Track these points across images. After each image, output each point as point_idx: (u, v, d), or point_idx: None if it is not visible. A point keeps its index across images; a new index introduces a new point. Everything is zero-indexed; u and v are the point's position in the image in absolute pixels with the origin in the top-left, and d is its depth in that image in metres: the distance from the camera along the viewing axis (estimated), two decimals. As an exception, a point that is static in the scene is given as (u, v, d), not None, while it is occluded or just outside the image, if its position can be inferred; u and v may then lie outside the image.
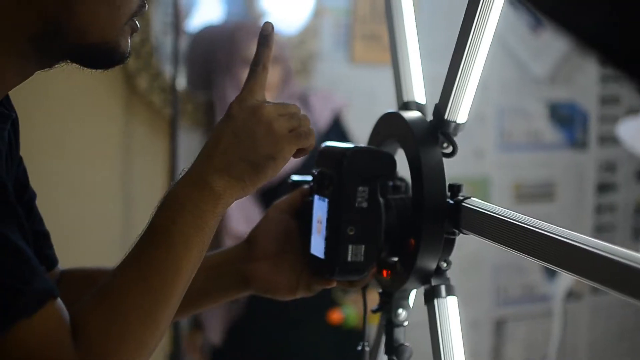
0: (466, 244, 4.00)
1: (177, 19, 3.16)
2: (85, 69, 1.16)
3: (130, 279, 1.05)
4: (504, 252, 1.09)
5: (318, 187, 1.31)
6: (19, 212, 1.01)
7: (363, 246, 1.26)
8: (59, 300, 1.00)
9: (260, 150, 1.14)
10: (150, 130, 3.35)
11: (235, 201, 1.14)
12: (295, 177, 1.40)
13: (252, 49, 1.26)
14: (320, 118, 3.09)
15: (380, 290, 1.33)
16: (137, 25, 1.16)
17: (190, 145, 3.17)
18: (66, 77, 2.69)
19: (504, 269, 4.16)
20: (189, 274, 1.09)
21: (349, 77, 3.78)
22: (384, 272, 1.30)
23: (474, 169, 4.06)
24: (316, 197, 1.31)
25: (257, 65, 1.22)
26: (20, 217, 1.01)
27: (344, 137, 3.14)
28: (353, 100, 3.57)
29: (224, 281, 1.34)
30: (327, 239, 1.27)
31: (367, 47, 3.83)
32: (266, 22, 1.24)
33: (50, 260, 1.35)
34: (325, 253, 1.27)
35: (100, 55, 1.13)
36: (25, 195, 1.28)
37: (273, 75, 2.81)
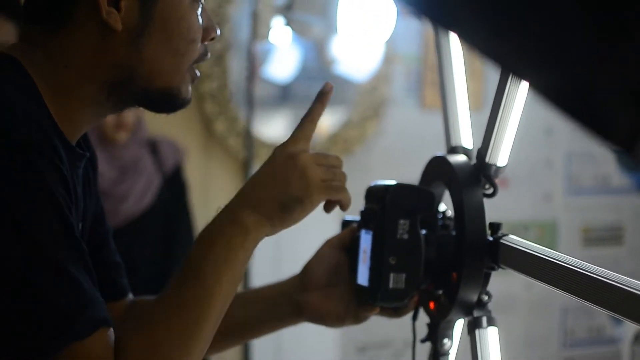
0: (535, 286, 4.05)
1: (252, 66, 3.30)
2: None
3: (167, 310, 1.14)
4: (581, 302, 1.14)
5: (364, 221, 1.41)
6: (82, 246, 1.08)
7: (404, 275, 1.36)
8: (111, 330, 1.09)
9: (290, 192, 1.22)
10: (226, 171, 3.48)
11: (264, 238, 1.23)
12: (346, 217, 1.50)
13: None
14: (166, 164, 3.07)
15: (428, 322, 1.42)
16: (197, 73, 1.26)
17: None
18: (147, 120, 2.85)
19: (572, 311, 4.18)
20: (220, 307, 1.16)
21: (419, 122, 3.87)
22: (431, 304, 1.40)
23: (542, 212, 4.11)
24: (363, 231, 1.41)
25: (307, 117, 1.31)
26: (83, 251, 1.08)
27: (183, 187, 3.15)
28: (423, 145, 3.66)
29: (279, 310, 1.44)
30: (371, 268, 1.37)
31: (438, 93, 3.92)
32: (327, 83, 1.33)
33: (121, 288, 1.46)
34: (369, 281, 1.38)
35: (164, 99, 1.23)
36: (100, 230, 1.40)
37: (128, 116, 2.87)
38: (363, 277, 1.40)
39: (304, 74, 3.79)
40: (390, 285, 1.36)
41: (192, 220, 3.10)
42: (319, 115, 1.32)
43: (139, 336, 1.11)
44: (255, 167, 3.37)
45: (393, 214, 1.36)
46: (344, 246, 1.45)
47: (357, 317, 1.43)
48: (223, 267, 1.17)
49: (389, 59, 3.84)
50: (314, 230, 1.24)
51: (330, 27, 3.63)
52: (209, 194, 3.44)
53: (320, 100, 1.32)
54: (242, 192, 1.23)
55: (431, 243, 1.39)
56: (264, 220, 1.21)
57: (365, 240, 1.40)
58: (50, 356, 1.01)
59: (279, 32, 3.49)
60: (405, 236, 1.36)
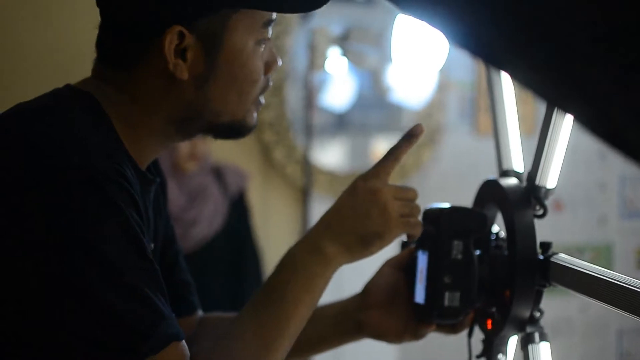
0: (590, 309, 4.05)
1: (310, 95, 3.37)
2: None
3: (245, 329, 1.21)
4: (627, 316, 1.19)
5: (421, 242, 1.48)
6: (154, 266, 1.14)
7: (458, 293, 1.42)
8: (183, 342, 1.14)
9: (371, 227, 1.29)
10: (285, 198, 3.55)
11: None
12: (405, 239, 1.57)
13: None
14: (231, 189, 3.15)
15: (483, 338, 1.48)
16: (261, 102, 1.33)
17: (321, 213, 3.35)
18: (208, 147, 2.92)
19: (627, 333, 4.18)
20: (296, 330, 1.24)
21: (473, 148, 3.91)
22: (488, 322, 1.45)
23: (597, 235, 4.11)
24: (419, 251, 1.48)
25: (392, 154, 1.37)
26: (156, 271, 1.14)
27: (247, 211, 3.23)
28: (477, 169, 3.70)
29: (341, 328, 1.50)
30: (427, 287, 1.43)
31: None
32: (419, 125, 1.40)
33: (191, 305, 1.53)
34: (425, 299, 1.44)
35: (230, 130, 1.30)
36: (171, 250, 1.48)
37: (200, 147, 2.96)
38: (420, 295, 1.46)
39: (359, 102, 3.85)
40: (446, 303, 1.42)
41: (257, 243, 3.18)
42: (403, 153, 1.37)
43: (216, 352, 1.17)
44: (313, 194, 3.45)
45: (447, 235, 1.42)
46: (402, 266, 1.51)
47: (415, 334, 1.48)
48: (302, 293, 1.24)
49: (443, 86, 3.90)
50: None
51: (385, 57, 3.69)
52: (269, 220, 3.51)
53: (409, 140, 1.37)
54: (324, 222, 1.30)
55: (484, 262, 1.45)
56: (344, 250, 1.28)
57: (422, 260, 1.46)
58: None
59: (335, 62, 3.57)
60: (460, 256, 1.42)
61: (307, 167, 3.43)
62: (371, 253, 1.31)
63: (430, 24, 0.63)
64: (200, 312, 1.56)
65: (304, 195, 3.40)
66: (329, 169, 3.67)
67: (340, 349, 1.56)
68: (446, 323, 1.47)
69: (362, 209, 1.29)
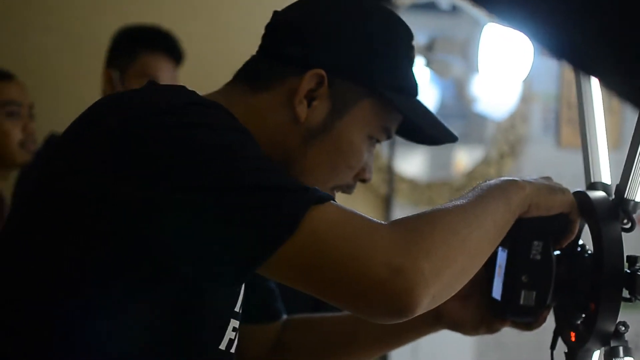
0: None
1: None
2: None
3: (443, 206, 1.18)
4: None
5: (502, 240, 1.48)
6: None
7: (534, 292, 1.42)
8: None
9: (551, 183, 1.32)
10: (368, 206, 3.57)
11: (531, 212, 1.29)
12: None
13: None
14: None
15: (566, 350, 1.47)
16: (334, 196, 1.34)
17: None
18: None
19: None
20: (494, 224, 1.20)
21: (556, 161, 3.89)
22: (572, 334, 1.45)
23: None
24: (499, 248, 1.48)
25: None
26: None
27: None
28: (561, 182, 3.67)
29: (420, 318, 1.50)
30: (504, 284, 1.44)
31: (575, 131, 3.94)
32: None
33: (275, 311, 1.57)
34: (502, 296, 1.44)
35: None
36: None
37: None
38: (497, 291, 1.47)
39: (441, 112, 3.86)
40: (521, 301, 1.42)
41: None
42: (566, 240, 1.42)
43: (414, 217, 1.15)
44: (396, 202, 3.46)
45: (527, 235, 1.42)
46: None
47: (491, 328, 1.49)
48: (490, 199, 1.21)
49: (526, 97, 3.88)
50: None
51: (470, 67, 3.69)
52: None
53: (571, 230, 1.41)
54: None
55: (563, 264, 1.44)
56: (535, 188, 1.28)
57: (502, 256, 1.47)
58: (297, 221, 1.07)
59: (419, 72, 3.58)
60: (538, 257, 1.42)
61: (391, 176, 3.44)
62: (556, 199, 1.31)
63: (518, 29, 0.63)
64: (284, 317, 1.58)
65: (386, 204, 3.41)
66: (411, 177, 3.68)
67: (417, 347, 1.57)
68: (520, 321, 1.47)
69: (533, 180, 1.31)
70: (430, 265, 1.08)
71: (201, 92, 1.24)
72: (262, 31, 1.33)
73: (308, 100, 1.27)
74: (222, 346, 1.23)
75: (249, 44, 1.41)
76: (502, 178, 1.27)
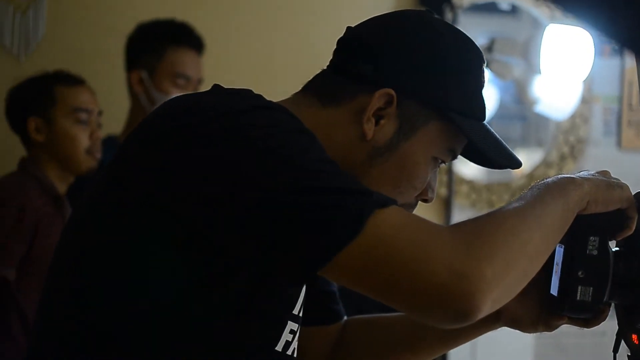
0: None
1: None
2: None
3: (503, 208, 1.18)
4: None
5: None
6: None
7: (591, 288, 1.40)
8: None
9: (608, 178, 1.30)
10: (427, 208, 3.58)
11: (591, 209, 1.27)
12: None
13: None
14: None
15: (629, 354, 1.46)
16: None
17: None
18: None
19: None
20: (554, 223, 1.20)
21: (617, 162, 3.85)
22: (634, 337, 1.44)
23: None
24: (557, 244, 1.48)
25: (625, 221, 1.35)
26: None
27: None
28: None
29: None
30: (561, 280, 1.43)
31: (636, 133, 3.91)
32: None
33: (335, 313, 1.58)
34: (559, 292, 1.43)
35: None
36: None
37: None
38: (554, 287, 1.46)
39: (500, 113, 3.85)
40: (578, 297, 1.41)
41: None
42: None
43: (475, 219, 1.15)
44: (455, 203, 3.46)
45: (584, 230, 1.41)
46: None
47: (549, 325, 1.48)
48: (557, 193, 1.21)
49: (587, 98, 3.86)
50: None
51: (530, 68, 3.68)
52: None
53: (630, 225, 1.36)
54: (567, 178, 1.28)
55: (622, 261, 1.44)
56: (593, 185, 1.26)
57: (559, 252, 1.46)
58: (361, 223, 1.07)
59: (488, 95, 3.57)
60: (595, 252, 1.41)
61: (450, 177, 3.44)
62: (615, 194, 1.29)
63: (581, 17, 0.64)
64: (345, 318, 1.59)
65: (446, 206, 3.41)
66: (470, 179, 3.68)
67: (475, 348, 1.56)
68: (577, 317, 1.47)
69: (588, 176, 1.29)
70: (492, 270, 1.08)
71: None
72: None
73: (376, 118, 1.28)
74: (279, 347, 1.25)
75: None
76: (560, 175, 1.26)
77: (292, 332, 1.27)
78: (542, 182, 1.25)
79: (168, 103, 1.26)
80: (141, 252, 1.15)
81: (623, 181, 1.33)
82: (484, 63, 1.38)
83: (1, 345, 2.48)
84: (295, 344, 1.29)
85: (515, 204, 1.18)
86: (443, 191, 3.52)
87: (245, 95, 1.23)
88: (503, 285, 1.11)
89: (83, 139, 2.60)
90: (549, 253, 1.23)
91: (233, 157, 1.12)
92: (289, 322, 1.26)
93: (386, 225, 1.09)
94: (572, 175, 1.27)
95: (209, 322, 1.16)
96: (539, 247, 1.18)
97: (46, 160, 2.60)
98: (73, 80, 2.65)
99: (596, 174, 1.31)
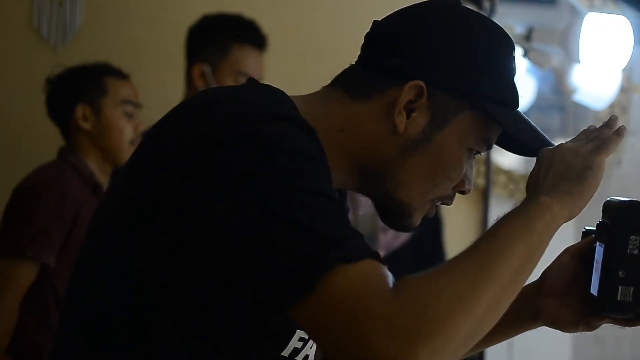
0: None
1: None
2: None
3: (453, 266, 1.13)
4: None
5: (599, 234, 1.45)
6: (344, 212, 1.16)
7: (632, 288, 1.38)
8: (382, 266, 1.09)
9: (574, 166, 1.23)
10: (465, 198, 3.56)
11: (572, 217, 1.22)
12: (586, 227, 1.55)
13: None
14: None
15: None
16: (433, 210, 1.33)
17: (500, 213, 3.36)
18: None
19: None
20: (512, 270, 1.15)
21: (657, 152, 3.84)
22: None
23: None
24: (597, 243, 1.46)
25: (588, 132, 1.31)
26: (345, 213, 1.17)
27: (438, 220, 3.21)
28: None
29: (519, 315, 1.47)
30: (601, 279, 1.41)
31: (677, 122, 3.88)
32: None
33: None
34: (599, 292, 1.41)
35: (396, 213, 1.32)
36: None
37: None
38: (594, 287, 1.44)
39: (537, 102, 3.83)
40: (618, 297, 1.39)
41: (444, 254, 3.19)
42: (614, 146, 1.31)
43: (423, 277, 1.11)
44: (493, 194, 3.45)
45: (624, 229, 1.39)
46: (581, 255, 1.48)
47: (589, 325, 1.46)
48: (519, 232, 1.17)
49: (625, 87, 3.82)
50: (553, 239, 1.27)
51: (569, 57, 3.65)
52: (449, 222, 3.52)
53: (619, 132, 1.30)
54: (531, 186, 1.26)
55: None
56: (562, 196, 1.21)
57: (599, 252, 1.44)
58: (314, 281, 1.04)
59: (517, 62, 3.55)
60: (636, 251, 1.39)
61: (488, 167, 3.43)
62: (591, 188, 1.24)
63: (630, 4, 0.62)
64: None
65: (484, 196, 3.40)
66: (507, 169, 3.66)
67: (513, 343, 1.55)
68: (618, 317, 1.45)
69: (556, 161, 1.25)
70: (430, 347, 1.05)
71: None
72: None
73: (407, 111, 1.26)
74: (285, 353, 1.24)
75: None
76: (525, 202, 1.22)
77: (301, 339, 1.25)
78: (505, 216, 1.20)
79: (194, 100, 1.25)
80: (148, 255, 1.15)
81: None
82: (514, 50, 1.36)
83: (39, 336, 2.49)
84: (309, 352, 1.28)
85: (469, 255, 1.14)
86: (481, 182, 3.50)
87: (270, 99, 1.21)
88: (444, 355, 1.07)
89: (128, 131, 2.64)
90: (512, 297, 1.17)
91: (229, 163, 1.11)
92: (298, 330, 1.24)
93: (336, 289, 1.05)
94: (540, 197, 1.21)
95: (212, 328, 1.16)
96: (490, 305, 1.13)
97: (88, 149, 2.63)
98: (121, 74, 2.69)
99: (577, 141, 1.26)
